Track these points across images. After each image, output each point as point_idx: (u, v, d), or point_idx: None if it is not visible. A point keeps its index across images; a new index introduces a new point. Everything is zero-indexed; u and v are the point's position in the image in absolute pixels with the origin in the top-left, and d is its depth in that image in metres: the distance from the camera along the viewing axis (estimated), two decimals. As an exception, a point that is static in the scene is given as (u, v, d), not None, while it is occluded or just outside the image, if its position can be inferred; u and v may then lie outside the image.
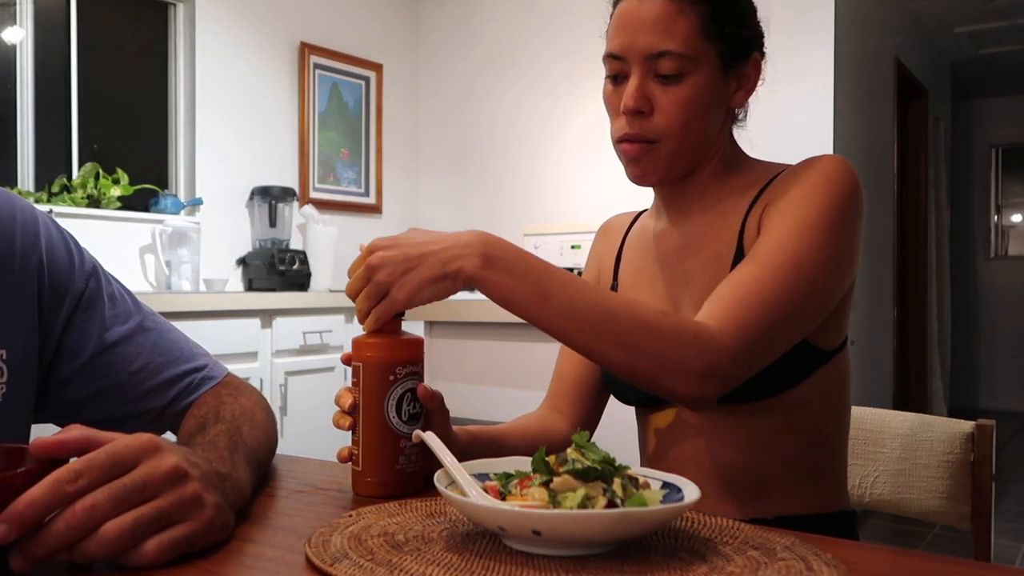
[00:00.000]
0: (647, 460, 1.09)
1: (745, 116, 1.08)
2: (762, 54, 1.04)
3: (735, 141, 1.07)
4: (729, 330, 0.84)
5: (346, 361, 0.86)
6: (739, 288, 0.87)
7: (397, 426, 0.82)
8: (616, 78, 1.01)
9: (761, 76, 1.04)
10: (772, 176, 1.01)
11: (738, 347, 0.84)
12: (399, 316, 0.83)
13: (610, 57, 1.00)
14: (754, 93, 1.05)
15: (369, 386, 0.82)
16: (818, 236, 0.90)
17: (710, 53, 0.97)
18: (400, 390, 0.82)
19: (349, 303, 3.60)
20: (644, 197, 1.13)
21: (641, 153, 0.99)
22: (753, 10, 1.04)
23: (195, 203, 3.66)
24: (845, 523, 1.02)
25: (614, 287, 1.13)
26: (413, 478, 0.83)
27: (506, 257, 0.81)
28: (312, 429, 3.40)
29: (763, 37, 1.04)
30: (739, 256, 0.97)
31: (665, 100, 0.97)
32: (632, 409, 1.12)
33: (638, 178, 1.02)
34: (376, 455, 0.82)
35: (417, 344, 0.83)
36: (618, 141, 1.01)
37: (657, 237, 1.09)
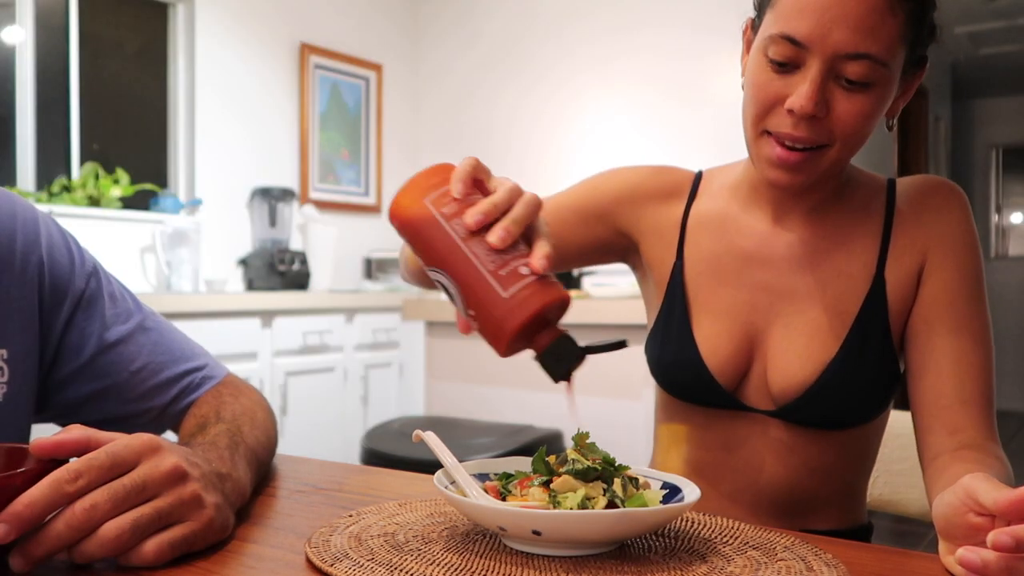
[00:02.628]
0: (674, 457, 1.03)
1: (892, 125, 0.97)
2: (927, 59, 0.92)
3: None
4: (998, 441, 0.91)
5: None
6: (986, 391, 0.92)
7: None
8: (783, 64, 0.85)
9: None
10: (886, 191, 0.97)
11: None
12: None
13: (785, 39, 0.83)
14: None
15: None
16: (984, 296, 0.95)
17: (900, 59, 0.85)
18: None
19: (349, 303, 3.60)
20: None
21: (803, 162, 0.86)
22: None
23: (195, 203, 3.66)
24: (863, 537, 1.02)
25: (678, 265, 1.01)
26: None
27: None
28: (312, 429, 3.41)
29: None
30: (878, 284, 0.93)
31: (844, 108, 0.84)
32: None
33: (784, 185, 0.89)
34: None
35: None
36: (769, 136, 0.87)
37: (751, 231, 0.98)
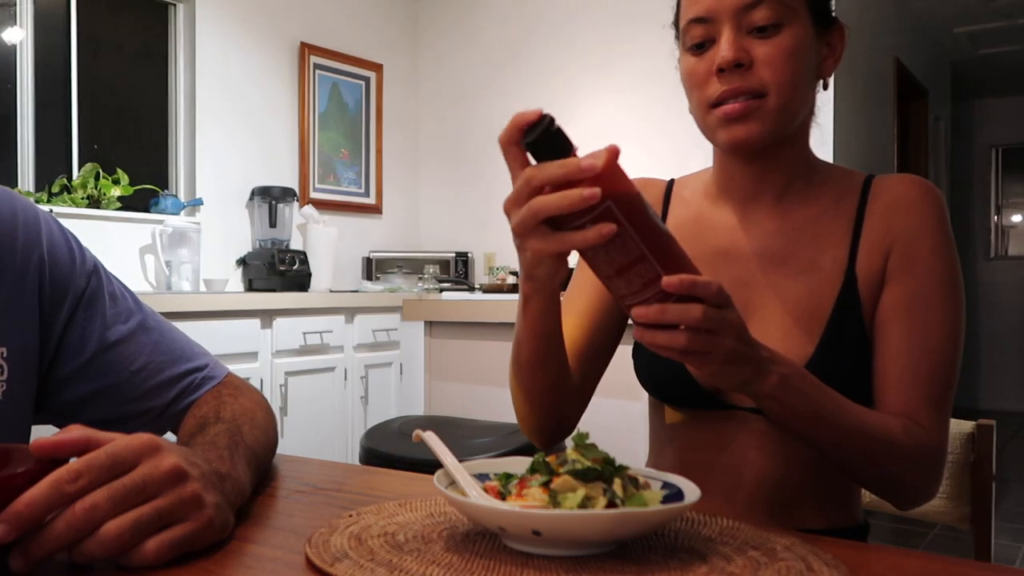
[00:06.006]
0: (668, 459, 1.04)
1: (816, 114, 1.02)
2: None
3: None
4: (942, 438, 0.90)
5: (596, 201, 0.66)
6: (931, 379, 0.90)
7: (665, 228, 0.69)
8: (701, 46, 0.92)
9: (845, 46, 0.98)
10: (861, 187, 0.97)
11: (945, 451, 0.92)
12: (569, 145, 0.67)
13: (694, 23, 0.92)
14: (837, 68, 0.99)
15: (635, 217, 0.66)
16: (960, 294, 0.93)
17: (803, 7, 0.92)
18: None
19: (349, 303, 3.60)
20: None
21: (747, 110, 0.90)
22: None
23: (195, 203, 3.67)
24: (859, 536, 1.01)
25: None
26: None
27: (791, 377, 0.80)
28: (312, 429, 3.41)
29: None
30: (850, 280, 0.94)
31: (765, 52, 0.89)
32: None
33: (742, 140, 0.91)
34: (679, 269, 0.69)
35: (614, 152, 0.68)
36: (714, 105, 0.92)
37: (723, 229, 1.01)
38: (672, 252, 0.69)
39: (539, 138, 0.67)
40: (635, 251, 0.67)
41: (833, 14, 0.97)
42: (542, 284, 0.80)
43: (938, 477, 0.91)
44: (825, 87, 0.99)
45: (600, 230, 0.65)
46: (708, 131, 0.95)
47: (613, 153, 0.66)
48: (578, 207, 0.65)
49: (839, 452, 0.86)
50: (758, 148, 0.94)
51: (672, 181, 1.10)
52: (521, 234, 0.70)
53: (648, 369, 1.03)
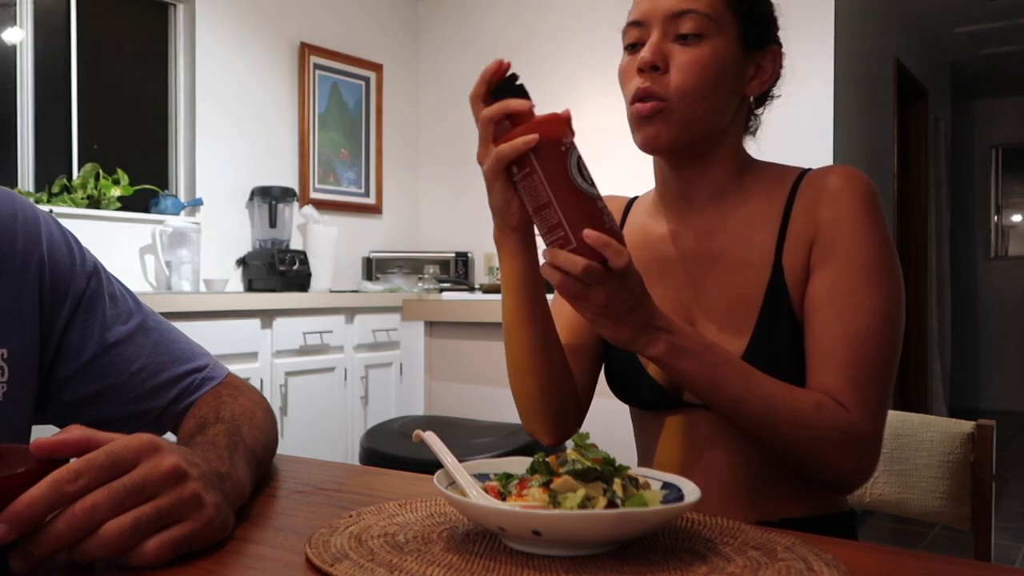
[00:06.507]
0: (650, 462, 1.07)
1: (756, 129, 1.06)
2: (780, 48, 1.02)
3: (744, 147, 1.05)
4: (867, 419, 0.90)
5: (509, 159, 0.79)
6: (854, 361, 0.91)
7: (588, 189, 0.77)
8: (635, 47, 0.98)
9: (778, 72, 1.02)
10: (793, 181, 0.99)
11: (878, 434, 0.92)
12: (527, 97, 0.80)
13: (630, 26, 0.99)
14: (769, 90, 1.03)
15: (548, 165, 0.77)
16: (890, 279, 0.94)
17: (732, 25, 0.96)
18: (574, 157, 0.77)
19: (349, 303, 3.60)
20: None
21: (652, 112, 0.95)
22: (773, 2, 1.03)
23: (195, 203, 3.67)
24: (846, 523, 1.03)
25: None
26: (621, 237, 0.79)
27: (686, 347, 0.86)
28: (312, 429, 3.41)
29: (778, 32, 1.03)
30: (777, 274, 0.96)
31: (682, 59, 0.95)
32: (625, 409, 1.11)
33: (648, 141, 0.97)
34: (585, 225, 0.76)
35: (564, 117, 0.79)
36: (631, 103, 0.97)
37: (664, 237, 1.05)
38: (585, 209, 0.76)
39: (501, 87, 0.79)
40: (544, 196, 0.76)
41: (778, 39, 1.02)
42: (499, 216, 0.88)
43: (864, 460, 0.91)
44: (754, 129, 1.05)
45: (516, 144, 0.77)
46: (631, 130, 0.99)
47: (556, 115, 0.78)
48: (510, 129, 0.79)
49: (744, 423, 0.90)
50: (664, 150, 0.98)
51: (634, 198, 1.15)
52: (479, 160, 0.83)
53: (611, 376, 1.08)
